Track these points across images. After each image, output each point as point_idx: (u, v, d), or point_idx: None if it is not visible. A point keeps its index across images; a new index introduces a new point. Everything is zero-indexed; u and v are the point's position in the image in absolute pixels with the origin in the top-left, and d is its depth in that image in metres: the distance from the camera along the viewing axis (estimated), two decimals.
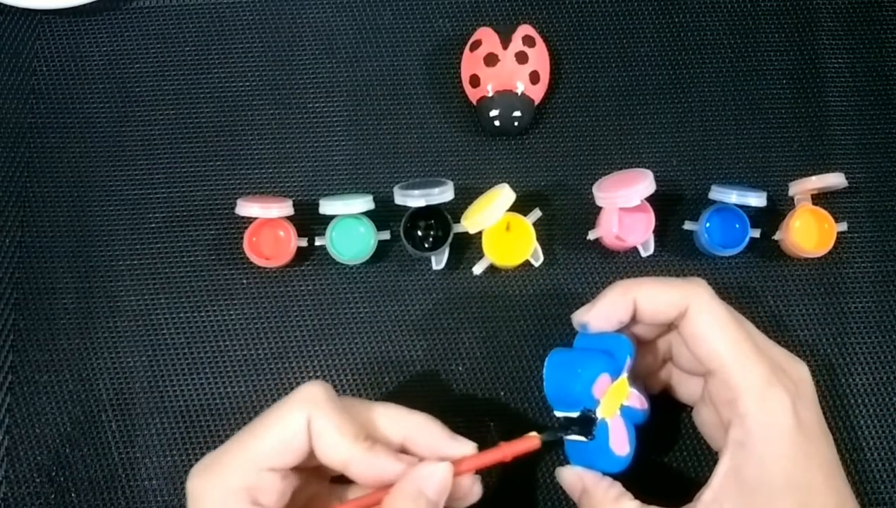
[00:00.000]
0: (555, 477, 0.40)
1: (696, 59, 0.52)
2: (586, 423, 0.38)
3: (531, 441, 0.38)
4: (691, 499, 0.37)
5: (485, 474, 0.38)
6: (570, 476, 0.39)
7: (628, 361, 0.39)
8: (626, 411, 0.39)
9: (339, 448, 0.35)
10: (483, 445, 0.38)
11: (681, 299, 0.38)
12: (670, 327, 0.42)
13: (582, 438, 0.38)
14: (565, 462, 0.40)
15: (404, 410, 0.38)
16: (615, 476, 0.38)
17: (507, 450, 0.38)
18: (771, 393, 0.36)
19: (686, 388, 0.42)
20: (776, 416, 0.36)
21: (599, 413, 0.38)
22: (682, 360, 0.41)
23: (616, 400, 0.39)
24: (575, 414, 0.38)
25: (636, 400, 0.40)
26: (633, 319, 0.39)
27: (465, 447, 0.37)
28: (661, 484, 0.37)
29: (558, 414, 0.39)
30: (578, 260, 0.49)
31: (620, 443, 0.38)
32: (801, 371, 0.38)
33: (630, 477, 0.38)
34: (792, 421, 0.35)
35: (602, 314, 0.39)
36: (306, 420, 0.35)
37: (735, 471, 0.36)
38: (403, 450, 0.37)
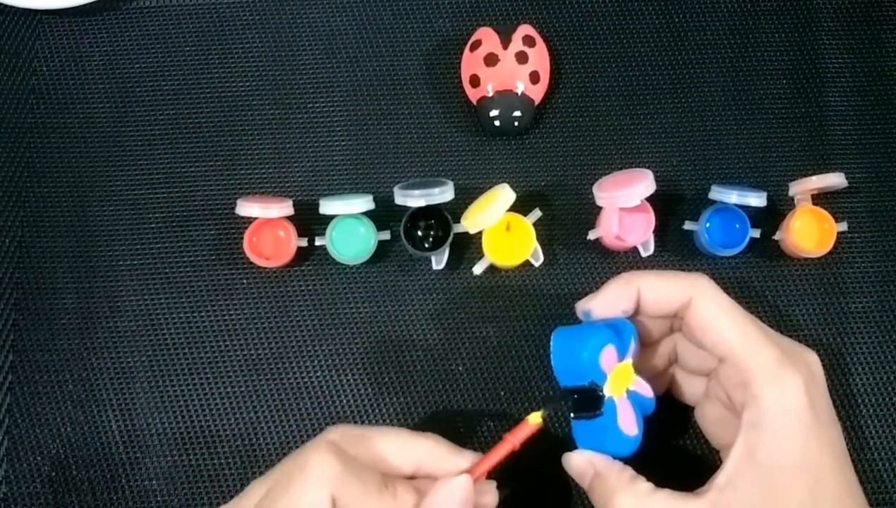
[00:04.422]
0: (560, 466, 0.40)
1: (696, 59, 0.52)
2: (594, 400, 0.38)
3: (532, 423, 0.38)
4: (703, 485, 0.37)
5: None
6: (580, 461, 0.39)
7: (633, 345, 0.39)
8: (633, 396, 0.39)
9: None
10: (487, 443, 0.38)
11: (684, 290, 0.38)
12: (672, 328, 0.42)
13: (590, 414, 0.38)
14: (571, 449, 0.39)
15: (410, 436, 0.38)
16: (623, 462, 0.38)
17: (511, 439, 0.38)
18: (784, 373, 0.36)
19: (689, 388, 0.43)
20: (789, 396, 0.36)
21: (607, 390, 0.38)
22: (687, 358, 0.41)
23: (622, 383, 0.39)
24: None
25: (643, 388, 0.40)
26: (637, 311, 0.40)
27: (471, 457, 0.38)
28: (671, 474, 0.37)
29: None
30: (578, 260, 0.49)
31: (629, 423, 0.38)
32: (811, 357, 0.38)
33: (640, 467, 0.38)
34: (805, 401, 0.35)
35: (606, 302, 0.39)
36: (330, 498, 0.34)
37: (749, 453, 0.35)
38: (416, 474, 0.38)
